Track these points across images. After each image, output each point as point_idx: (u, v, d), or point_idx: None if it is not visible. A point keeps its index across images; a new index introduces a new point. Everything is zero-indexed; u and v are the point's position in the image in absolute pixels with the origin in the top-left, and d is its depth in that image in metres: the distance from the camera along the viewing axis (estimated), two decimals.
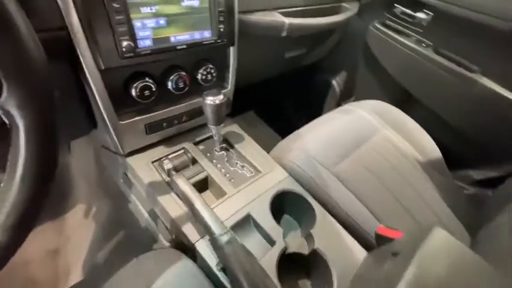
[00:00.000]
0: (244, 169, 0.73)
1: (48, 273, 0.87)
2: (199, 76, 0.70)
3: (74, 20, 0.46)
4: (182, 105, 0.72)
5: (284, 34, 0.79)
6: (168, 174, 0.65)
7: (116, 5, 0.47)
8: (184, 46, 0.60)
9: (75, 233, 0.95)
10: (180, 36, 0.59)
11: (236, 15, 0.67)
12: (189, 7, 0.58)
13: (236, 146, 0.79)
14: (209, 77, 0.72)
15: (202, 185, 0.70)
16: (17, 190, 0.27)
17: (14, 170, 0.27)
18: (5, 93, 0.24)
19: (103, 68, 0.52)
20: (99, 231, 0.94)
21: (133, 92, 0.60)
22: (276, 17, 0.76)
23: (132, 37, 0.52)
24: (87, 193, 0.99)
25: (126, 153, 0.69)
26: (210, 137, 0.80)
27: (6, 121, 0.26)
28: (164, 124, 0.71)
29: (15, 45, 0.23)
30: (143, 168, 0.67)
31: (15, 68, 0.23)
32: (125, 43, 0.51)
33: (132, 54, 0.53)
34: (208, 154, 0.75)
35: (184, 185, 0.57)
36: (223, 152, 0.77)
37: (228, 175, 0.71)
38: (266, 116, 1.63)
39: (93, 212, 0.97)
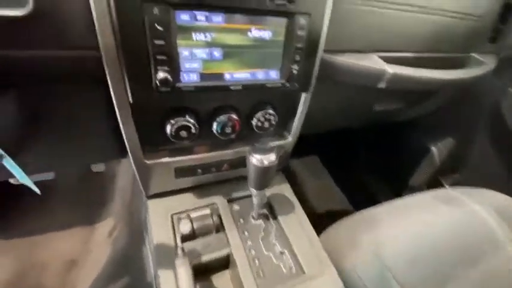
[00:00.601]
0: (283, 258, 0.53)
1: (57, 283, 0.83)
2: (254, 122, 0.55)
3: (107, 40, 0.36)
4: (225, 151, 0.57)
5: (383, 86, 0.58)
6: (183, 239, 0.51)
7: (158, 27, 0.36)
8: (240, 87, 0.45)
9: (97, 249, 0.91)
10: (237, 74, 0.45)
11: (319, 55, 0.50)
12: (257, 39, 0.43)
13: (280, 218, 0.59)
14: (266, 124, 0.56)
15: (221, 263, 0.53)
16: None
17: None
18: None
19: (131, 101, 0.41)
20: (114, 257, 0.86)
21: (167, 130, 0.48)
22: (374, 63, 0.56)
23: (174, 69, 0.40)
24: (118, 212, 0.95)
25: (148, 195, 0.58)
26: (249, 195, 0.63)
27: None
28: (199, 170, 0.57)
29: None
30: (158, 221, 0.54)
31: None
32: (161, 75, 0.39)
33: (169, 89, 0.41)
34: (242, 220, 0.58)
35: (184, 278, 0.40)
36: (261, 221, 0.59)
37: (257, 262, 0.51)
38: (333, 166, 1.37)
39: (116, 234, 0.91)
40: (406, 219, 0.63)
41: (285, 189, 0.66)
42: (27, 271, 0.82)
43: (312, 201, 1.17)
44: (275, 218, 0.60)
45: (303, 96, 0.56)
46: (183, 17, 0.37)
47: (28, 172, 0.38)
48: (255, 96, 0.53)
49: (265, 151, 0.49)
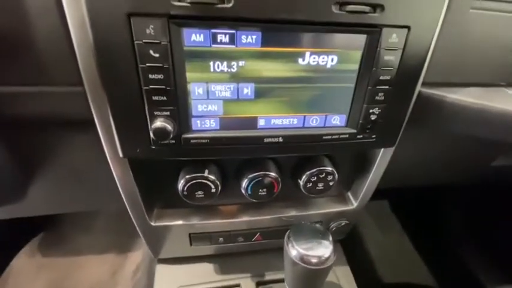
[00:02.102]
0: None
1: None
2: (302, 181, 0.37)
3: (89, 74, 0.25)
4: (259, 218, 0.41)
5: None
6: None
7: (154, 55, 0.23)
8: (281, 139, 0.29)
9: (122, 282, 0.84)
10: (277, 120, 0.29)
11: (417, 90, 0.31)
12: (314, 69, 0.27)
13: None
14: (321, 185, 0.38)
15: None
16: None
17: None
18: None
19: (121, 156, 0.29)
20: None
21: (179, 188, 0.34)
22: None
23: (180, 113, 0.26)
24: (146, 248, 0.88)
25: (157, 258, 0.46)
26: (274, 280, 0.45)
27: None
28: (220, 239, 0.42)
29: None
30: None
31: None
32: (157, 123, 0.25)
33: (172, 142, 0.27)
34: None
35: None
36: None
37: None
38: (408, 219, 1.05)
39: (139, 276, 0.83)
40: None
41: (342, 276, 0.45)
42: None
43: (379, 267, 0.90)
44: None
45: (382, 150, 0.37)
46: (195, 37, 0.24)
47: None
48: (301, 150, 0.36)
49: (314, 237, 0.31)
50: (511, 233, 0.78)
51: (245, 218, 0.41)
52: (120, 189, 0.34)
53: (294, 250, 0.30)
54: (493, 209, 0.83)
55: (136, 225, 0.39)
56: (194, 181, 0.34)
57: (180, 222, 0.39)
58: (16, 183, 0.38)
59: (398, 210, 1.14)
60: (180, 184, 0.34)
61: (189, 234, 0.41)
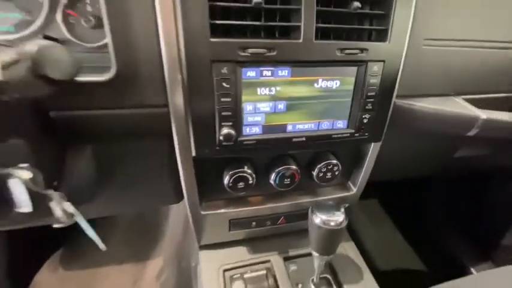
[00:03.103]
0: None
1: None
2: (315, 172, 0.50)
3: (176, 98, 0.37)
4: (282, 204, 0.53)
5: (473, 133, 0.48)
6: None
7: (225, 84, 0.35)
8: (303, 139, 0.42)
9: (150, 285, 0.90)
10: (301, 125, 0.42)
11: (392, 101, 0.44)
12: (324, 90, 0.40)
13: (346, 286, 0.50)
14: (329, 175, 0.50)
15: None
16: None
17: None
18: None
19: (193, 155, 0.40)
20: None
21: (225, 181, 0.46)
22: (463, 108, 0.47)
23: (237, 123, 0.38)
24: (168, 254, 0.95)
25: (201, 245, 0.55)
26: (308, 254, 0.56)
27: None
28: (253, 223, 0.53)
29: None
30: (212, 276, 0.51)
31: None
32: (225, 131, 0.37)
33: (232, 144, 0.39)
34: (300, 285, 0.51)
35: None
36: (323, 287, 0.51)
37: None
38: (396, 214, 1.19)
39: (164, 277, 0.90)
40: None
41: (349, 249, 0.57)
42: None
43: (374, 257, 1.01)
44: (339, 285, 0.51)
45: (372, 145, 0.50)
46: (249, 73, 0.36)
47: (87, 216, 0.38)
48: (317, 146, 0.49)
49: (331, 210, 0.43)
50: (484, 216, 0.93)
51: (271, 205, 0.52)
52: (183, 184, 0.45)
53: (318, 218, 0.42)
54: (464, 196, 0.99)
55: (190, 215, 0.49)
56: (237, 175, 0.45)
57: (222, 210, 0.50)
58: (94, 187, 0.48)
59: (387, 206, 1.27)
60: (226, 178, 0.45)
61: (229, 220, 0.52)
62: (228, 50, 0.34)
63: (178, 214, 0.95)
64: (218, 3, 0.32)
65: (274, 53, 0.35)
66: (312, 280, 0.51)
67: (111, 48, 0.34)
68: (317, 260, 0.47)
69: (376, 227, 1.21)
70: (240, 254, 0.55)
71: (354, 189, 0.56)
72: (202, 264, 0.53)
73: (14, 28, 0.39)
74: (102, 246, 0.39)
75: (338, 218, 0.42)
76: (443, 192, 1.06)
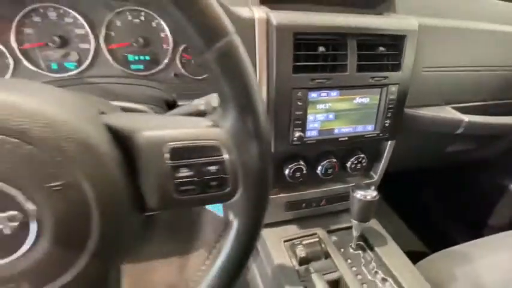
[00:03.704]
0: (387, 285, 0.60)
1: None
2: (348, 164, 0.68)
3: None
4: (323, 189, 0.70)
5: (459, 132, 0.68)
6: (300, 262, 0.61)
7: (299, 103, 0.53)
8: (346, 138, 0.60)
9: (194, 276, 1.03)
10: (343, 129, 0.60)
11: (404, 110, 0.63)
12: (359, 104, 0.59)
13: (376, 249, 0.67)
14: (358, 166, 0.68)
15: (332, 285, 0.61)
16: (213, 277, 0.29)
17: (217, 257, 0.29)
18: (237, 197, 0.28)
19: (272, 151, 0.57)
20: None
21: (286, 172, 0.63)
22: (451, 114, 0.67)
23: (303, 128, 0.56)
24: (211, 242, 1.09)
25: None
26: (345, 228, 0.73)
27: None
28: (303, 204, 0.70)
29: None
30: (275, 246, 0.67)
31: (259, 177, 0.27)
32: (297, 134, 0.55)
33: (299, 143, 0.57)
34: (342, 250, 0.67)
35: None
36: (359, 251, 0.67)
37: (366, 286, 0.59)
38: (397, 206, 1.38)
39: (211, 262, 1.04)
40: (500, 254, 0.66)
41: (374, 224, 0.74)
42: None
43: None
44: (371, 249, 0.68)
45: (389, 143, 0.69)
46: (313, 95, 0.55)
47: None
48: (351, 144, 0.67)
49: (366, 189, 0.60)
50: (472, 199, 1.12)
51: (316, 190, 0.69)
52: None
53: (358, 194, 0.59)
54: (455, 184, 1.18)
55: None
56: (296, 166, 0.62)
57: (282, 194, 0.67)
58: None
59: (386, 196, 1.46)
60: (287, 170, 0.63)
61: (286, 202, 0.68)
62: (302, 81, 0.52)
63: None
64: (299, 53, 0.50)
65: (330, 82, 0.54)
66: (351, 246, 0.68)
67: None
68: (356, 227, 0.64)
69: (379, 217, 1.38)
70: (293, 229, 0.71)
71: (375, 177, 0.74)
72: (265, 236, 0.69)
73: (143, 66, 0.56)
74: (220, 215, 0.55)
75: (373, 193, 0.59)
76: (437, 183, 1.25)
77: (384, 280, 0.61)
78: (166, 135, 0.25)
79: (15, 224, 0.21)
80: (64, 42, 0.50)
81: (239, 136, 0.26)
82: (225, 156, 0.26)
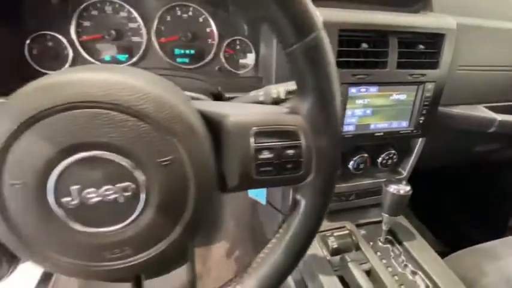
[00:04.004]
0: (417, 278, 0.61)
1: None
2: (379, 159, 0.69)
3: None
4: (354, 184, 0.72)
5: (491, 130, 0.68)
6: (332, 253, 0.63)
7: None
8: (381, 133, 0.61)
9: (216, 266, 1.06)
10: (379, 125, 0.61)
11: (438, 108, 0.64)
12: (396, 100, 0.60)
13: (405, 243, 0.68)
14: (389, 162, 0.70)
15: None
16: (278, 254, 0.31)
17: (282, 238, 0.32)
18: (308, 180, 0.30)
19: None
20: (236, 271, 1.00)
21: None
22: (484, 113, 0.68)
23: (341, 123, 0.58)
24: (234, 233, 1.12)
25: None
26: (373, 222, 0.74)
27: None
28: (335, 198, 0.72)
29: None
30: None
31: (331, 163, 0.29)
32: None
33: None
34: (371, 243, 0.69)
35: (362, 275, 0.53)
36: (388, 245, 0.69)
37: (396, 279, 0.61)
38: (414, 205, 1.39)
39: (236, 253, 1.07)
40: None
41: (401, 219, 0.75)
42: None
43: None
44: (400, 243, 0.69)
45: (420, 140, 0.70)
46: (352, 90, 0.56)
47: None
48: (385, 140, 0.68)
49: (397, 183, 0.62)
50: (493, 200, 1.12)
51: (346, 184, 0.71)
52: None
53: (391, 188, 0.61)
54: (475, 182, 1.18)
55: (292, 191, 0.68)
56: None
57: None
58: None
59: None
60: None
61: None
62: (344, 77, 0.54)
63: (240, 200, 1.10)
64: (342, 49, 0.52)
65: (370, 78, 0.55)
66: (379, 239, 0.69)
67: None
68: (386, 221, 0.65)
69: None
70: (324, 222, 0.73)
71: (404, 173, 0.75)
72: None
73: (188, 60, 0.59)
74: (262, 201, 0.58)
75: (406, 187, 0.60)
76: (458, 182, 1.25)
77: (413, 273, 0.62)
78: (251, 120, 0.27)
79: (128, 194, 0.23)
80: (118, 35, 0.53)
81: (316, 122, 0.28)
82: (302, 141, 0.28)
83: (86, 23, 0.52)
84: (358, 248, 0.66)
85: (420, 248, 0.67)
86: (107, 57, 0.54)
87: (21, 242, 0.23)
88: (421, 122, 0.63)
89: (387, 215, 0.64)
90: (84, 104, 0.21)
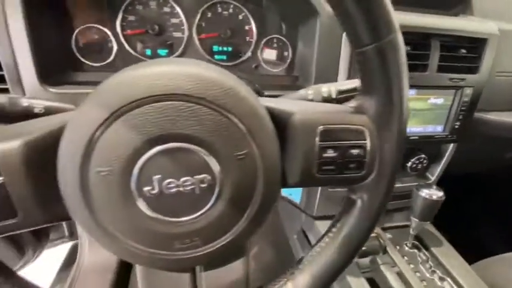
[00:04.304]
0: (445, 284, 0.61)
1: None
2: (409, 164, 0.68)
3: None
4: None
5: None
6: (360, 255, 0.63)
7: None
8: (416, 137, 0.61)
9: (236, 265, 1.07)
10: (414, 128, 0.61)
11: (474, 114, 0.63)
12: (433, 104, 0.59)
13: (433, 249, 0.68)
14: (419, 166, 0.69)
15: None
16: (332, 252, 0.31)
17: (336, 237, 0.32)
18: (368, 180, 0.30)
19: None
20: (254, 269, 1.01)
21: None
22: None
23: None
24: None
25: (316, 216, 0.74)
26: (399, 226, 0.74)
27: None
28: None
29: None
30: None
31: (393, 164, 0.29)
32: None
33: None
34: (398, 247, 0.68)
35: (395, 277, 0.53)
36: (415, 250, 0.68)
37: (425, 284, 0.60)
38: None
39: (254, 250, 1.07)
40: None
41: (427, 225, 0.75)
42: None
43: None
44: (427, 248, 0.69)
45: (452, 145, 0.69)
46: None
47: None
48: (418, 144, 0.68)
49: (429, 187, 0.61)
50: None
51: None
52: None
53: (423, 193, 0.60)
54: (503, 190, 1.16)
55: (319, 192, 0.68)
56: None
57: (342, 189, 0.69)
58: None
59: None
60: None
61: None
62: None
63: None
64: None
65: (410, 81, 0.54)
66: (406, 244, 0.69)
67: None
68: (416, 226, 0.65)
69: None
70: None
71: (432, 178, 0.74)
72: (321, 229, 0.71)
73: (226, 57, 0.59)
74: (296, 201, 0.58)
75: (439, 193, 0.60)
76: (481, 188, 1.23)
77: (441, 279, 0.62)
78: (318, 118, 0.27)
79: (204, 185, 0.24)
80: (160, 30, 0.54)
81: (383, 123, 0.28)
82: (368, 141, 0.28)
83: (131, 17, 0.53)
84: (385, 251, 0.66)
85: (448, 254, 0.67)
86: (148, 52, 0.55)
87: (98, 227, 0.23)
88: (456, 127, 0.62)
89: (417, 220, 0.64)
90: (172, 97, 0.21)
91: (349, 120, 0.28)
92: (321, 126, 0.27)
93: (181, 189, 0.23)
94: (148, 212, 0.23)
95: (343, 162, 0.28)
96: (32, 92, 0.43)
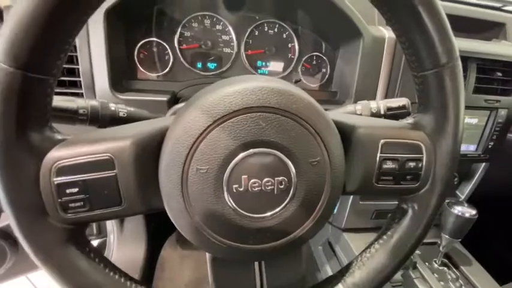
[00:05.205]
0: None
1: None
2: None
3: None
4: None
5: None
6: None
7: None
8: None
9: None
10: None
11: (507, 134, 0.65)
12: (467, 124, 0.61)
13: (462, 268, 0.68)
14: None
15: None
16: (381, 258, 0.34)
17: (386, 244, 0.34)
18: (421, 191, 0.32)
19: None
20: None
21: None
22: None
23: None
24: None
25: (344, 228, 0.75)
26: (427, 243, 0.74)
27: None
28: (389, 215, 0.73)
29: None
30: (360, 250, 0.70)
31: (446, 178, 0.32)
32: None
33: None
34: (427, 263, 0.69)
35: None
36: (444, 267, 0.68)
37: None
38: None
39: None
40: None
41: (457, 245, 0.75)
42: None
43: None
44: (456, 267, 0.69)
45: (483, 165, 0.70)
46: None
47: None
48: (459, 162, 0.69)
49: (462, 204, 0.62)
50: None
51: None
52: None
53: (455, 210, 0.61)
54: None
55: (349, 204, 0.70)
56: None
57: (371, 202, 0.71)
58: None
59: None
60: None
61: (374, 210, 0.72)
62: None
63: None
64: None
65: None
66: (435, 261, 0.69)
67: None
68: (445, 243, 0.65)
69: None
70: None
71: (462, 197, 0.75)
72: (350, 242, 0.72)
73: (268, 72, 0.63)
74: None
75: (472, 211, 0.61)
76: (497, 207, 1.20)
77: None
78: (380, 133, 0.30)
79: (282, 187, 0.27)
80: (212, 46, 0.59)
81: (438, 139, 0.31)
82: (424, 155, 0.31)
83: (187, 33, 0.58)
84: (415, 267, 0.66)
85: (478, 273, 0.66)
86: (199, 65, 0.60)
87: (190, 218, 0.27)
88: (489, 147, 0.63)
89: (447, 237, 0.64)
90: (263, 109, 0.25)
91: (408, 135, 0.31)
92: (383, 140, 0.30)
93: (263, 188, 0.26)
94: (234, 207, 0.27)
95: (401, 174, 0.31)
96: (102, 98, 0.49)
